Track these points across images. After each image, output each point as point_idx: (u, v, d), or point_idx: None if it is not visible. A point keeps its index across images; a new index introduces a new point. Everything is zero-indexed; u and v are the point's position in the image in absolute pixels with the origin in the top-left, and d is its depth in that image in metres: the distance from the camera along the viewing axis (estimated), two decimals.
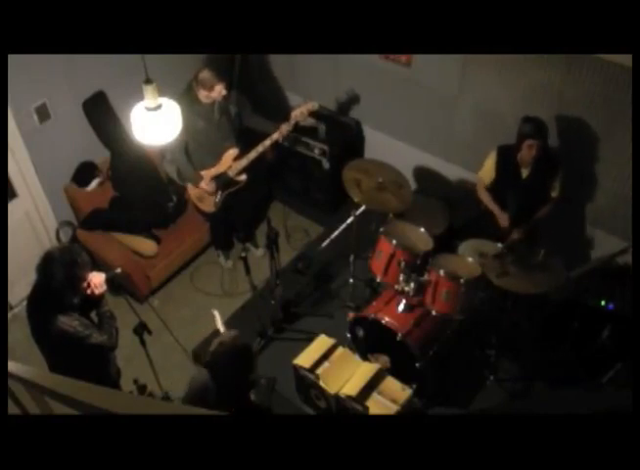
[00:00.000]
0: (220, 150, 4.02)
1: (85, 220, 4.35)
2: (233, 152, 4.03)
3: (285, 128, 3.94)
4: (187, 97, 3.89)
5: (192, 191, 4.17)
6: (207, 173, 4.04)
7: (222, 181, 4.08)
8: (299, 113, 3.96)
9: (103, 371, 3.00)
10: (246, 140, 4.15)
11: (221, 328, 3.14)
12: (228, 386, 2.53)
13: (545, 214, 3.73)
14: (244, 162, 4.03)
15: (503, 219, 3.74)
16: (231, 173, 4.07)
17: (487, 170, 3.79)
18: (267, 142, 3.96)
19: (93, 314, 2.95)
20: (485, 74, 3.89)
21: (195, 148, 3.97)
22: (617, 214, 3.77)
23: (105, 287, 2.83)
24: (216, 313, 3.33)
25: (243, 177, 4.11)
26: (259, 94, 5.19)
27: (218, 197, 4.13)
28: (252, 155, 4.01)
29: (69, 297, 2.69)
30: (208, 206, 4.19)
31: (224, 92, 3.79)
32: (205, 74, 3.72)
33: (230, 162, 4.04)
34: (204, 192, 4.09)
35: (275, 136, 3.94)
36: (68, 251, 2.69)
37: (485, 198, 3.85)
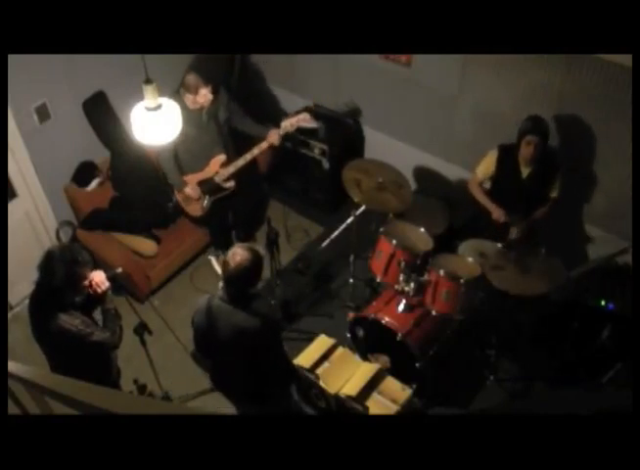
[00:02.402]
0: (209, 155, 4.01)
1: (85, 220, 4.35)
2: (220, 158, 4.02)
3: (274, 137, 3.91)
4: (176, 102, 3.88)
5: (178, 195, 4.16)
6: (193, 178, 4.03)
7: (208, 187, 4.07)
8: (289, 124, 3.94)
9: (104, 370, 3.00)
10: (236, 145, 4.13)
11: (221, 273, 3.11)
12: (245, 289, 2.61)
13: (544, 216, 3.72)
14: (231, 169, 4.02)
15: (497, 213, 3.71)
16: (218, 179, 4.05)
17: (484, 168, 3.78)
18: (256, 151, 3.95)
19: (97, 313, 2.95)
20: (485, 74, 3.89)
21: (183, 153, 3.96)
22: (617, 214, 3.77)
23: (107, 284, 2.84)
24: (212, 258, 3.30)
25: (230, 184, 4.09)
26: (259, 94, 5.19)
27: (205, 202, 4.11)
28: (240, 162, 4.00)
29: (71, 295, 2.70)
30: (195, 210, 4.18)
31: (210, 96, 3.77)
32: (191, 78, 3.70)
33: (217, 168, 4.03)
34: (189, 197, 4.09)
35: (264, 145, 3.93)
36: (68, 249, 2.70)
37: (478, 193, 3.84)
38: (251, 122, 4.10)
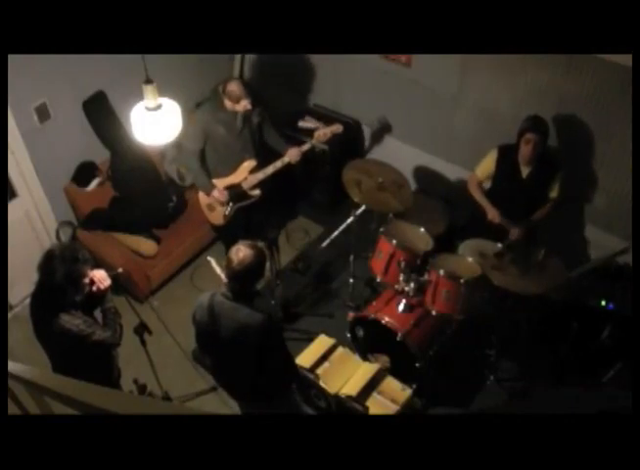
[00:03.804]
0: (237, 160, 3.92)
1: (85, 220, 4.35)
2: (249, 164, 3.94)
3: (294, 156, 3.89)
4: (212, 102, 3.82)
5: (203, 199, 4.06)
6: (221, 182, 3.94)
7: (234, 194, 3.97)
8: (323, 134, 3.92)
9: (105, 369, 3.00)
10: (265, 155, 4.06)
11: (221, 275, 3.09)
12: (248, 286, 2.63)
13: (544, 216, 3.72)
14: (260, 175, 3.94)
15: (493, 214, 3.71)
16: (245, 186, 3.97)
17: (484, 168, 3.79)
18: (286, 159, 3.89)
19: (97, 312, 2.95)
20: (485, 74, 3.89)
21: (211, 155, 3.88)
22: (617, 214, 3.77)
23: (109, 281, 2.83)
24: (212, 260, 3.31)
25: (256, 192, 4.01)
26: (259, 94, 5.19)
27: (229, 209, 4.02)
28: (270, 170, 3.92)
29: (71, 294, 2.69)
30: (218, 218, 4.09)
31: (249, 107, 3.71)
32: (234, 88, 3.63)
33: (245, 173, 3.95)
34: (214, 201, 3.97)
35: (285, 160, 3.89)
36: (68, 248, 2.70)
37: (476, 193, 3.84)
38: (275, 134, 4.04)
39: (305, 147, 3.94)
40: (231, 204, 4.01)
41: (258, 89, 4.83)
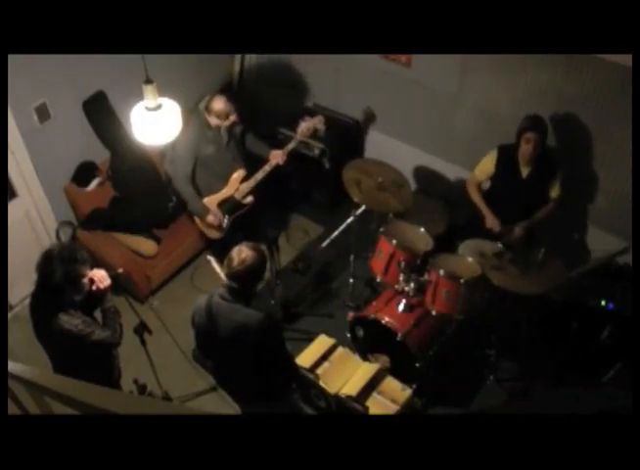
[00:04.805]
0: (229, 172, 3.92)
1: (85, 220, 4.35)
2: (239, 174, 3.94)
3: (279, 157, 3.87)
4: (196, 122, 3.80)
5: (198, 221, 4.05)
6: (214, 200, 3.93)
7: (228, 206, 3.97)
8: (306, 129, 3.91)
9: (105, 369, 3.00)
10: (251, 161, 4.05)
11: (221, 274, 3.09)
12: (247, 287, 2.64)
13: (546, 215, 3.72)
14: (251, 183, 3.94)
15: (492, 222, 3.72)
16: (238, 196, 3.96)
17: (483, 168, 3.79)
18: (273, 161, 3.88)
19: (97, 312, 2.95)
20: (485, 74, 3.89)
21: (201, 173, 3.86)
22: (617, 214, 3.77)
23: (109, 281, 2.83)
24: (212, 259, 3.30)
25: (249, 199, 4.01)
26: (259, 95, 5.19)
27: (225, 222, 4.02)
28: (260, 175, 3.91)
29: (70, 294, 2.69)
30: (214, 233, 4.10)
31: (236, 120, 3.71)
32: (222, 106, 3.61)
33: (237, 184, 3.95)
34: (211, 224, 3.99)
35: (273, 163, 3.88)
36: (67, 248, 2.70)
37: (475, 196, 3.84)
38: (256, 141, 4.02)
39: (290, 146, 3.92)
40: (227, 217, 4.00)
41: (250, 92, 4.84)
